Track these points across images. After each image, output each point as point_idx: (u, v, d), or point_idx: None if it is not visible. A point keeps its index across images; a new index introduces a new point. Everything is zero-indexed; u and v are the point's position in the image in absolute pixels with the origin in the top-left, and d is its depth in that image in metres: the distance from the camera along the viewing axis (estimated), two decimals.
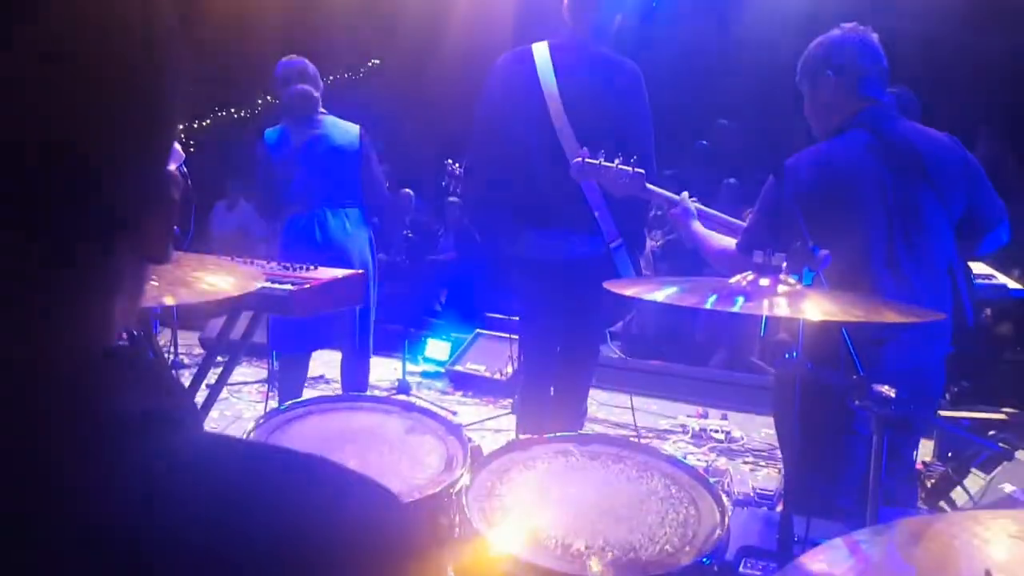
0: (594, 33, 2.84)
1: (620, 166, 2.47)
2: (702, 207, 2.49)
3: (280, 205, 3.63)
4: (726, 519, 1.46)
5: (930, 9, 5.56)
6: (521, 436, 2.46)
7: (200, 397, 2.76)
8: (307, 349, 3.71)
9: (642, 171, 2.46)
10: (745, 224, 2.37)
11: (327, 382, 4.93)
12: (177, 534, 0.40)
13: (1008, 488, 2.59)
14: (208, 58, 6.95)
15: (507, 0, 6.33)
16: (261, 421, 1.80)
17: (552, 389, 3.09)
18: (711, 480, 1.62)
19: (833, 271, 1.97)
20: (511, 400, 4.60)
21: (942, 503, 2.75)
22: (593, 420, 4.33)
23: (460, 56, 7.21)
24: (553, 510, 1.50)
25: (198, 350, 5.59)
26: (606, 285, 1.77)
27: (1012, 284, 3.13)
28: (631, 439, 2.08)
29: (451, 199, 8.07)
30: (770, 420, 4.40)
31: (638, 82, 2.84)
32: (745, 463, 4.00)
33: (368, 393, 3.82)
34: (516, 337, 3.59)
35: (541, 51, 2.84)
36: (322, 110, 3.59)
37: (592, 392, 3.37)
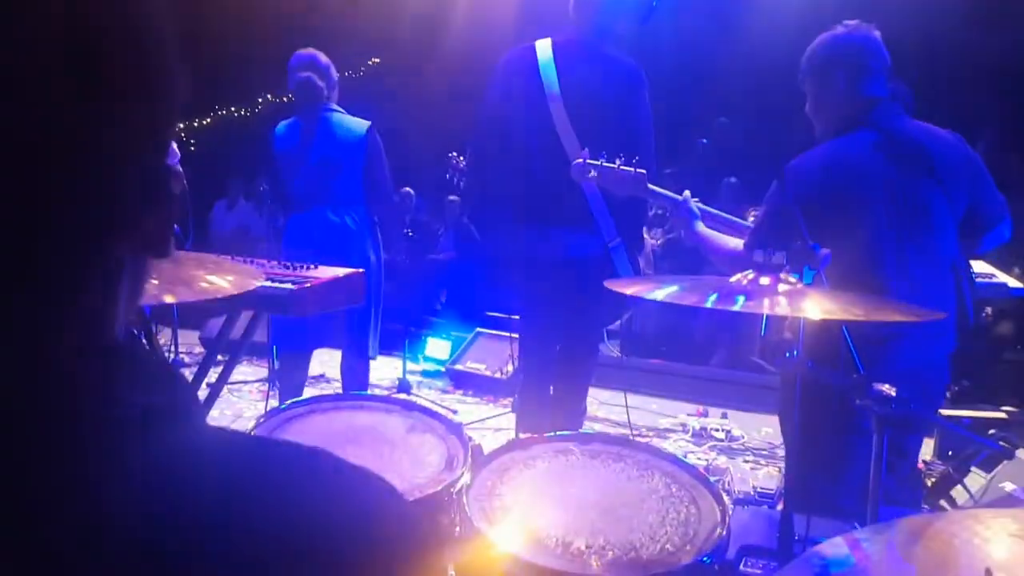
0: (598, 32, 2.83)
1: (622, 167, 2.46)
2: (705, 207, 2.49)
3: (285, 201, 3.63)
4: (726, 518, 1.46)
5: (930, 8, 5.56)
6: (521, 435, 2.46)
7: (201, 396, 2.76)
8: (308, 347, 3.70)
9: (643, 171, 2.46)
10: (750, 223, 2.37)
11: (327, 381, 4.93)
12: (181, 528, 0.40)
13: (1009, 487, 2.59)
14: (208, 57, 6.95)
15: (507, 0, 6.32)
16: (262, 420, 1.81)
17: (552, 388, 3.09)
18: (711, 479, 1.62)
19: (840, 269, 1.98)
20: (511, 399, 4.61)
21: (942, 502, 2.75)
22: (593, 419, 4.33)
23: (460, 55, 7.22)
24: (553, 509, 1.50)
25: (198, 349, 5.59)
26: (607, 284, 1.77)
27: (1012, 283, 3.13)
28: (630, 438, 2.08)
29: (451, 198, 8.07)
30: (770, 419, 4.43)
31: (640, 81, 2.84)
32: (745, 462, 4.00)
33: (369, 392, 3.82)
34: (516, 336, 3.59)
35: (544, 49, 2.84)
36: (334, 106, 3.55)
37: (592, 391, 3.37)
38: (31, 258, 0.41)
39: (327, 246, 3.43)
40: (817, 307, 1.49)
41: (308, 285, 2.41)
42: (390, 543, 0.45)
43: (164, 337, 4.97)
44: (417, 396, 4.74)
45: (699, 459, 3.93)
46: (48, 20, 0.39)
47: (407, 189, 7.85)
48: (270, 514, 0.42)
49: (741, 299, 1.51)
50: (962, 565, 0.91)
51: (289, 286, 2.36)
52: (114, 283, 0.46)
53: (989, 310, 5.02)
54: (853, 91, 2.20)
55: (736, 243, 2.32)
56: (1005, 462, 2.69)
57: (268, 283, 2.34)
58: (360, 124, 3.50)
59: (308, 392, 3.77)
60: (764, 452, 4.11)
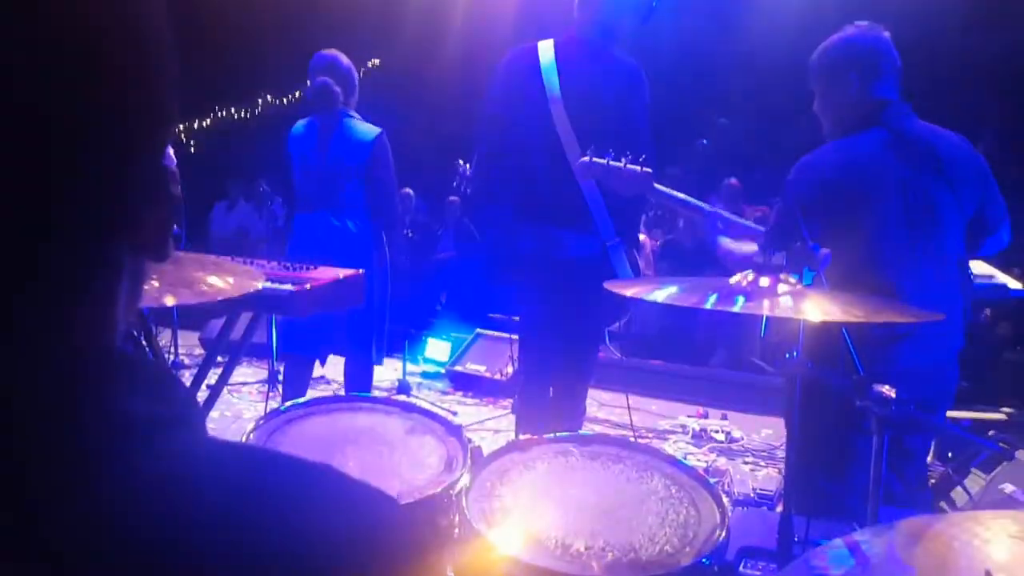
0: (601, 31, 2.84)
1: (628, 165, 2.46)
2: (723, 213, 2.48)
3: (293, 200, 3.64)
4: (726, 519, 1.45)
5: (929, 9, 5.57)
6: (521, 437, 2.46)
7: (201, 397, 2.76)
8: (314, 353, 3.70)
9: (650, 170, 2.46)
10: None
11: (328, 383, 4.93)
12: (179, 536, 0.40)
13: (1008, 488, 2.59)
14: (209, 59, 6.96)
15: (507, 0, 6.33)
16: (261, 421, 1.80)
17: (551, 389, 3.09)
18: (711, 480, 1.62)
19: (850, 267, 1.99)
20: (511, 400, 4.60)
21: (942, 503, 2.75)
22: (593, 420, 4.33)
23: (460, 56, 7.22)
24: (553, 511, 1.50)
25: (198, 350, 5.59)
26: (607, 285, 1.77)
27: (1012, 284, 3.14)
28: (630, 439, 2.08)
29: (451, 199, 8.08)
30: (770, 420, 4.43)
31: (640, 82, 2.84)
32: (745, 463, 4.00)
33: (368, 394, 3.82)
34: (516, 337, 3.59)
35: (546, 49, 2.85)
36: (351, 112, 3.55)
37: (592, 392, 3.37)
38: (31, 259, 0.41)
39: (330, 249, 3.43)
40: (817, 308, 1.49)
41: (308, 286, 2.41)
42: (389, 553, 0.45)
43: (164, 338, 4.96)
44: (417, 397, 4.74)
45: (699, 460, 3.93)
46: (48, 20, 0.39)
47: (407, 190, 7.85)
48: (267, 523, 0.42)
49: (741, 300, 1.51)
50: (962, 567, 0.91)
51: (289, 287, 2.36)
52: (113, 285, 0.47)
53: (989, 311, 5.02)
54: (864, 92, 2.21)
55: (753, 248, 2.33)
56: (1005, 463, 2.69)
57: (268, 284, 2.34)
58: (370, 131, 3.51)
59: (309, 394, 3.77)
60: (764, 454, 4.10)
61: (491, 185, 2.98)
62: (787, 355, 1.58)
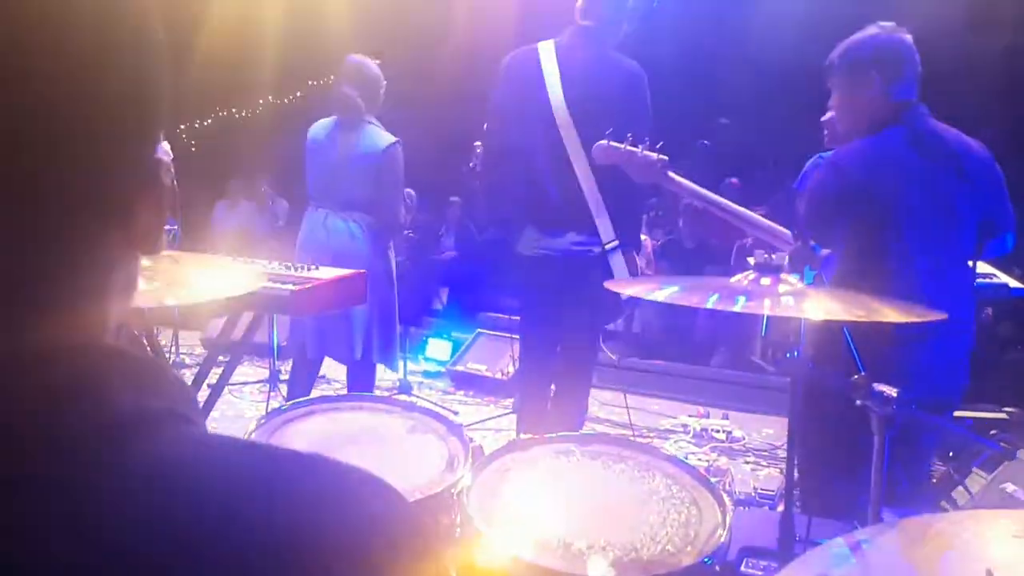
0: (601, 33, 2.84)
1: (645, 151, 2.45)
2: (753, 214, 2.49)
3: (307, 195, 3.66)
4: (728, 519, 1.45)
5: (930, 10, 5.56)
6: (522, 436, 2.46)
7: (202, 397, 2.76)
8: (321, 353, 3.70)
9: (665, 158, 2.45)
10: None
11: (329, 382, 4.93)
12: (179, 532, 0.40)
13: (1010, 487, 2.59)
14: (209, 58, 6.96)
15: (508, 1, 6.33)
16: (263, 421, 1.80)
17: (552, 389, 3.09)
18: (712, 480, 1.62)
19: (870, 262, 2.00)
20: (512, 400, 4.60)
21: (943, 502, 2.75)
22: (594, 420, 4.33)
23: (461, 56, 7.22)
24: (554, 510, 1.50)
25: (199, 350, 5.59)
26: (607, 285, 1.77)
27: (1013, 283, 3.14)
28: (631, 439, 2.08)
29: (452, 199, 8.08)
30: (771, 420, 4.43)
31: (640, 83, 2.85)
32: (746, 463, 4.00)
33: (370, 393, 3.82)
34: (517, 337, 3.59)
35: (547, 50, 2.86)
36: (371, 119, 3.55)
37: (593, 392, 3.37)
38: (23, 254, 0.41)
39: (335, 247, 3.44)
40: (818, 307, 1.49)
41: (309, 286, 2.41)
42: (390, 544, 0.44)
43: (165, 338, 4.97)
44: (418, 397, 4.74)
45: (700, 460, 3.92)
46: (43, 19, 0.40)
47: (408, 190, 7.84)
48: (269, 518, 0.42)
49: (742, 299, 1.51)
50: (963, 566, 0.91)
51: (290, 287, 2.37)
52: (107, 278, 0.47)
53: (990, 311, 5.02)
54: (886, 93, 2.23)
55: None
56: (1006, 463, 2.69)
57: (269, 284, 2.34)
58: (384, 139, 3.51)
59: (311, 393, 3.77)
60: (765, 453, 4.10)
61: (494, 186, 2.99)
62: (788, 354, 1.58)
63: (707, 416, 4.56)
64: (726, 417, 4.52)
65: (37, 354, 0.42)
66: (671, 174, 2.48)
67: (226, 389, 3.06)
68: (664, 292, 1.59)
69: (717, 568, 1.37)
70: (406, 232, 6.12)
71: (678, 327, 5.92)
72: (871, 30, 2.28)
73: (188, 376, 4.30)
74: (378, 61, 3.65)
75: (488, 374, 5.10)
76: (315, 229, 3.54)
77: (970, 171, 2.20)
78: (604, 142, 2.48)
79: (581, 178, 2.78)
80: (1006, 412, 3.31)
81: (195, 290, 1.70)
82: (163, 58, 0.48)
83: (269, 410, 1.97)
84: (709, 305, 1.50)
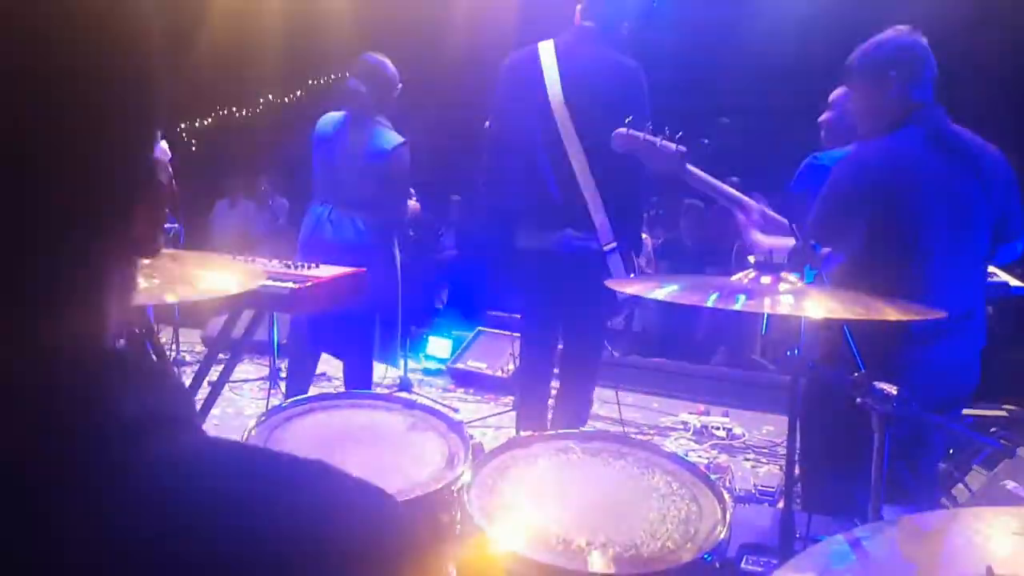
0: (601, 33, 2.84)
1: (664, 141, 2.43)
2: (765, 210, 2.48)
3: (311, 190, 3.65)
4: (727, 516, 1.46)
5: (931, 11, 5.56)
6: (522, 433, 2.46)
7: (202, 395, 2.77)
8: (319, 349, 3.70)
9: (684, 149, 2.42)
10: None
11: (328, 379, 4.93)
12: (177, 536, 0.40)
13: (1010, 485, 2.59)
14: (209, 58, 6.95)
15: (508, 1, 6.32)
16: (263, 418, 1.81)
17: (553, 387, 3.10)
18: (712, 477, 1.62)
19: (890, 262, 2.00)
20: (512, 397, 4.60)
21: (943, 500, 2.75)
22: (595, 418, 4.33)
23: (461, 55, 7.22)
24: (554, 506, 1.51)
25: (200, 348, 5.59)
26: (608, 284, 1.77)
27: (1013, 281, 3.14)
28: (629, 435, 2.08)
29: (453, 197, 8.08)
30: (771, 417, 4.42)
31: (639, 81, 2.85)
32: (746, 460, 4.00)
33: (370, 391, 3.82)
34: (517, 335, 3.60)
35: (547, 50, 2.86)
36: (380, 119, 3.52)
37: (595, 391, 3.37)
38: (21, 257, 0.41)
39: (337, 244, 3.44)
40: (819, 306, 1.49)
41: (309, 284, 2.41)
42: (385, 553, 0.45)
43: (165, 336, 4.96)
44: (418, 394, 4.74)
45: (700, 457, 3.93)
46: (39, 22, 0.40)
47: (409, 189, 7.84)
48: (264, 523, 0.42)
49: (742, 298, 1.51)
50: (963, 563, 0.91)
51: (291, 285, 2.37)
52: (105, 281, 0.46)
53: (990, 309, 5.02)
54: (904, 93, 2.25)
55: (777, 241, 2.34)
56: (1006, 460, 2.70)
57: (269, 282, 2.34)
58: (392, 139, 3.49)
59: (309, 390, 3.77)
60: (765, 450, 4.10)
61: (495, 184, 3.00)
62: (788, 352, 1.59)
63: (707, 414, 4.56)
64: (726, 414, 4.52)
65: (36, 360, 0.42)
66: (690, 166, 2.45)
67: (226, 387, 3.06)
68: (664, 291, 1.60)
69: (717, 565, 1.37)
70: (407, 231, 6.13)
71: (679, 325, 5.92)
72: (888, 33, 2.29)
73: (188, 374, 4.31)
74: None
75: (488, 372, 5.11)
76: (319, 224, 3.54)
77: (986, 173, 2.22)
78: (624, 129, 2.44)
79: (579, 176, 2.78)
80: (1006, 409, 3.31)
81: (195, 288, 1.70)
82: (161, 58, 0.48)
83: (269, 408, 1.97)
84: (709, 304, 1.51)
